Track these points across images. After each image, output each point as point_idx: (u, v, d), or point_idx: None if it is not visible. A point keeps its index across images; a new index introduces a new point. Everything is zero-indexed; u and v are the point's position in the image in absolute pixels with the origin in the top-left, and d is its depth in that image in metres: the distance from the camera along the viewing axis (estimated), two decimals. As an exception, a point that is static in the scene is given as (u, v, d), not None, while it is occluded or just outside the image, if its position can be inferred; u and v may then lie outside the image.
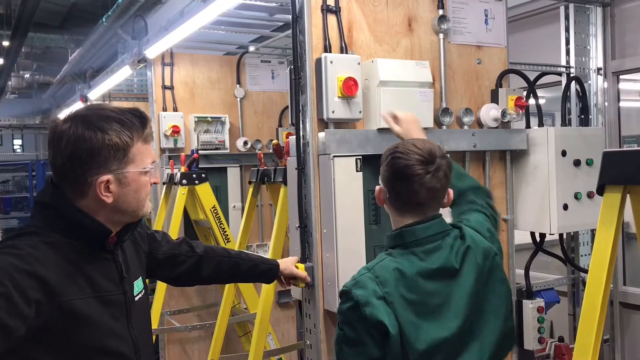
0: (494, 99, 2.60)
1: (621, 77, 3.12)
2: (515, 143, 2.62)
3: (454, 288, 1.67)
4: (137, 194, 1.50)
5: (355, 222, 2.15)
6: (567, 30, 2.98)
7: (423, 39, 2.45)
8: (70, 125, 1.42)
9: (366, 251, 2.16)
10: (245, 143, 4.25)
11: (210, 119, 4.19)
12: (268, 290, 2.75)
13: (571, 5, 3.00)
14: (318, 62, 2.18)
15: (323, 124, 2.21)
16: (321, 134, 2.18)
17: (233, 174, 4.22)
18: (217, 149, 4.20)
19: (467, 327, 1.66)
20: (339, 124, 2.22)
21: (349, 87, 2.14)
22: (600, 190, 1.11)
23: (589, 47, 3.03)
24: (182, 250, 1.96)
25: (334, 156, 2.13)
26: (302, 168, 2.24)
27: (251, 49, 4.12)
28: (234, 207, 4.13)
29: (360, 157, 2.13)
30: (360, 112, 2.21)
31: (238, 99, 4.33)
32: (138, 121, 1.50)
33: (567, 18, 2.99)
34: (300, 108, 2.23)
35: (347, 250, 2.13)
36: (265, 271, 2.14)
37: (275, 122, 4.41)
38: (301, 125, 2.24)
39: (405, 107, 2.26)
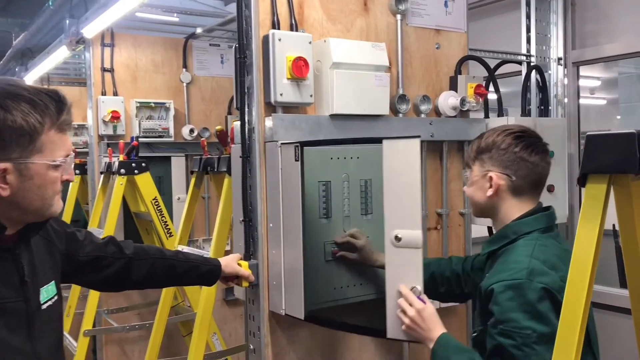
0: (453, 86, 2.46)
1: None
2: (475, 133, 2.46)
3: None
4: (41, 190, 1.28)
5: (295, 217, 1.96)
6: (528, 17, 2.88)
7: (379, 19, 2.29)
8: None
9: (316, 247, 1.99)
10: (192, 131, 4.01)
11: (153, 105, 3.93)
12: (210, 287, 2.54)
13: (533, -9, 2.90)
14: (265, 39, 1.98)
15: (271, 108, 2.01)
16: (268, 119, 1.99)
17: (177, 164, 3.97)
18: (160, 136, 3.94)
19: None
20: (288, 108, 2.03)
21: (299, 68, 1.95)
22: (582, 181, 0.96)
23: (549, 36, 2.93)
24: (109, 251, 1.73)
25: (282, 143, 1.94)
26: (247, 156, 2.04)
27: (198, 30, 3.87)
28: (179, 199, 3.89)
29: (298, 144, 1.92)
30: (311, 95, 2.03)
31: (184, 84, 4.08)
32: (54, 105, 1.28)
33: (528, 4, 2.88)
34: (246, 90, 2.03)
35: (295, 247, 1.95)
36: (205, 273, 1.93)
37: (224, 110, 4.18)
38: (246, 110, 2.04)
39: (359, 92, 2.10)
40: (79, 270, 1.65)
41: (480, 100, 2.42)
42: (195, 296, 3.37)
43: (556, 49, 2.94)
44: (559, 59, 2.94)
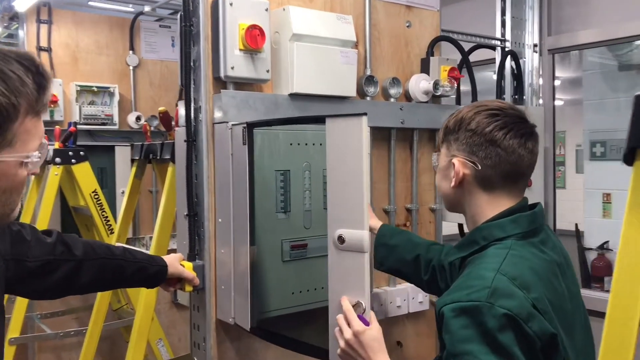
0: (425, 68, 2.23)
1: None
2: (448, 121, 2.26)
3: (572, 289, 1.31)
4: (6, 195, 0.98)
5: (259, 210, 1.70)
6: (503, -1, 2.68)
7: (346, -10, 2.04)
8: None
9: (272, 246, 1.73)
10: (138, 118, 3.67)
11: (96, 89, 3.58)
12: (149, 291, 2.26)
13: (508, -29, 2.70)
14: (214, 4, 1.71)
15: (220, 84, 1.74)
16: (217, 97, 1.72)
17: (122, 154, 3.62)
18: (103, 124, 3.59)
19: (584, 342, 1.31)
20: (241, 85, 1.76)
21: (253, 38, 1.69)
22: (630, 158, 0.73)
23: (525, 20, 2.74)
24: (57, 252, 1.43)
25: (234, 125, 1.67)
26: (193, 140, 1.76)
27: (146, 8, 3.55)
28: (122, 192, 3.54)
29: (246, 124, 1.65)
30: (268, 71, 1.77)
31: (131, 68, 3.74)
32: (32, 79, 0.95)
33: (504, -15, 2.69)
34: (192, 64, 1.75)
35: (247, 245, 1.69)
36: (152, 275, 1.64)
37: (175, 97, 3.83)
38: (192, 86, 1.76)
39: (323, 69, 1.84)
40: (25, 278, 1.35)
41: (455, 84, 2.20)
42: (138, 298, 3.06)
43: (532, 34, 2.75)
44: (535, 45, 2.75)
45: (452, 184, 1.32)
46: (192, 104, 1.76)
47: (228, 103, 1.69)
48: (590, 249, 3.69)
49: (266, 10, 1.74)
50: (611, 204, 3.76)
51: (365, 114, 1.34)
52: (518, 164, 1.28)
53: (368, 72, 2.06)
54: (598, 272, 3.64)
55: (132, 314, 3.37)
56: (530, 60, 2.75)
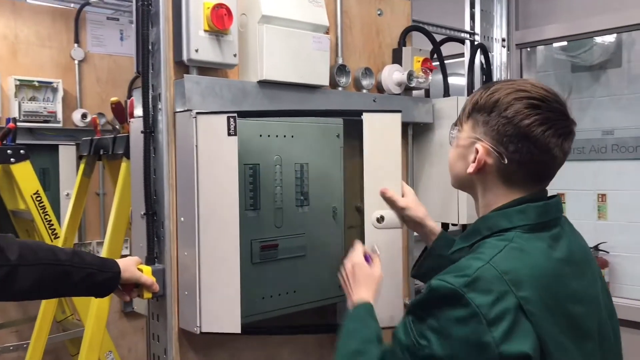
0: (397, 59, 2.13)
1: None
2: (420, 115, 2.16)
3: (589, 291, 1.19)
4: None
5: (227, 207, 1.54)
6: (472, -10, 2.61)
7: (316, -27, 1.91)
8: None
9: (241, 247, 1.57)
10: (84, 116, 3.42)
11: (37, 84, 3.32)
12: (101, 300, 2.06)
13: (477, -37, 2.63)
14: (176, -20, 1.54)
15: (183, 69, 1.58)
16: (179, 83, 1.55)
17: (67, 154, 3.38)
18: (46, 121, 3.33)
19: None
20: (206, 70, 1.60)
21: (219, 18, 1.53)
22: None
23: (494, 14, 2.68)
24: None
25: (198, 113, 1.51)
26: (151, 131, 1.59)
27: (93, -1, 3.32)
28: (67, 195, 3.29)
29: (235, 115, 1.52)
30: (235, 55, 1.61)
31: (76, 62, 3.48)
32: None
33: (473, -24, 2.62)
34: (150, 47, 1.58)
35: (214, 247, 1.53)
36: (100, 283, 1.45)
37: (124, 94, 3.61)
38: (150, 71, 1.59)
39: (294, 55, 1.71)
40: None
41: (429, 76, 2.10)
42: (85, 308, 2.83)
43: (500, 28, 2.69)
44: (503, 39, 2.69)
45: (470, 169, 1.19)
46: (150, 91, 1.59)
47: (192, 89, 1.53)
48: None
49: (233, -12, 1.59)
50: (566, 204, 3.78)
51: (400, 111, 1.71)
52: (549, 164, 1.17)
53: (340, 61, 1.94)
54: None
55: (78, 325, 3.13)
56: (499, 55, 2.69)
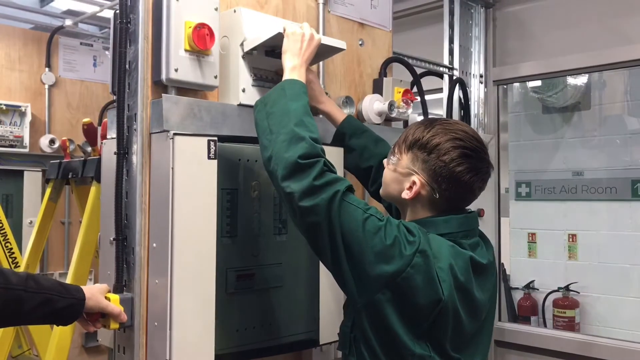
0: (377, 89, 2.11)
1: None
2: (400, 146, 2.14)
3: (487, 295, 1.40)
4: None
5: (204, 233, 1.47)
6: (451, 27, 2.63)
7: (298, 0, 1.90)
8: None
9: (216, 276, 1.49)
10: (52, 142, 3.33)
11: (4, 107, 3.22)
12: (63, 331, 1.94)
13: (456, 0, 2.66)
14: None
15: (160, 88, 1.52)
16: (156, 103, 1.50)
17: (32, 181, 3.26)
18: (12, 146, 3.22)
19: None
20: (185, 90, 1.55)
21: (201, 38, 1.49)
22: None
23: (472, 50, 2.71)
24: None
25: (175, 134, 1.45)
26: (125, 152, 1.52)
27: (67, 22, 3.25)
28: (30, 223, 3.16)
29: (215, 139, 1.47)
30: (216, 77, 1.57)
31: (46, 86, 3.41)
32: None
33: (452, 14, 2.64)
34: (127, 65, 1.53)
35: (188, 275, 1.45)
36: (60, 310, 1.35)
37: (96, 120, 3.53)
38: (127, 91, 1.53)
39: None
40: None
41: (410, 107, 2.09)
42: (44, 341, 2.67)
43: (478, 64, 2.72)
44: (480, 75, 2.72)
45: (406, 196, 1.38)
46: (126, 111, 1.53)
47: (170, 110, 1.47)
48: (517, 288, 3.67)
49: (216, 9, 1.55)
50: (536, 244, 3.79)
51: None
52: (469, 199, 1.41)
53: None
54: (524, 312, 3.62)
55: (35, 360, 2.97)
56: (477, 90, 2.71)
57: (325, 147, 1.41)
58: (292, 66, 1.51)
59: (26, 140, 3.27)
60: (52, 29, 3.42)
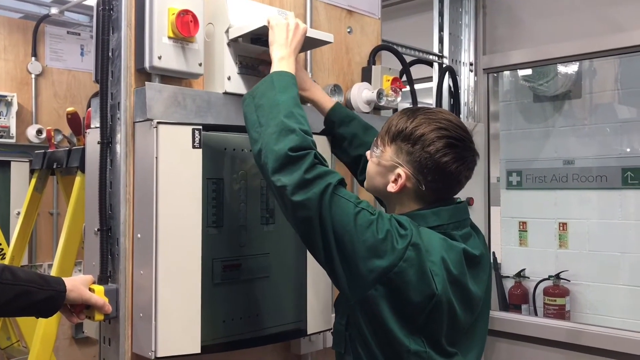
0: (366, 77, 2.09)
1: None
2: (389, 135, 2.12)
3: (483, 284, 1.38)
4: None
5: (189, 223, 1.45)
6: (441, 15, 2.61)
7: (285, -13, 1.87)
8: None
9: (202, 266, 1.48)
10: (39, 132, 3.29)
11: (-10, 97, 3.19)
12: (48, 322, 1.92)
13: (446, -15, 2.64)
14: (140, -16, 1.47)
15: (144, 76, 1.50)
16: (140, 91, 1.47)
17: (19, 171, 3.23)
18: (-2, 136, 3.19)
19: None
20: (169, 78, 1.53)
21: (185, 24, 1.46)
22: None
23: (462, 38, 2.69)
24: None
25: (159, 123, 1.43)
26: (109, 142, 1.50)
27: (53, 11, 3.21)
28: (18, 213, 3.13)
29: (200, 127, 1.45)
30: (200, 64, 1.54)
31: (32, 76, 3.36)
32: None
33: (441, 1, 2.62)
34: (110, 53, 1.50)
35: (173, 266, 1.43)
36: (39, 302, 1.33)
37: (83, 110, 3.49)
38: (110, 79, 1.51)
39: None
40: None
41: (399, 95, 2.07)
42: (32, 333, 2.66)
43: (468, 52, 2.70)
44: (470, 64, 2.70)
45: (391, 189, 1.34)
46: (109, 100, 1.50)
47: (153, 98, 1.45)
48: (508, 276, 3.69)
49: (200, -4, 1.53)
50: (527, 232, 3.79)
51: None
52: (455, 189, 1.37)
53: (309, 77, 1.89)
54: (515, 300, 3.63)
55: (24, 352, 2.95)
56: (467, 79, 2.69)
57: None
58: (280, 57, 1.47)
59: (13, 131, 3.23)
60: (39, 17, 3.37)
